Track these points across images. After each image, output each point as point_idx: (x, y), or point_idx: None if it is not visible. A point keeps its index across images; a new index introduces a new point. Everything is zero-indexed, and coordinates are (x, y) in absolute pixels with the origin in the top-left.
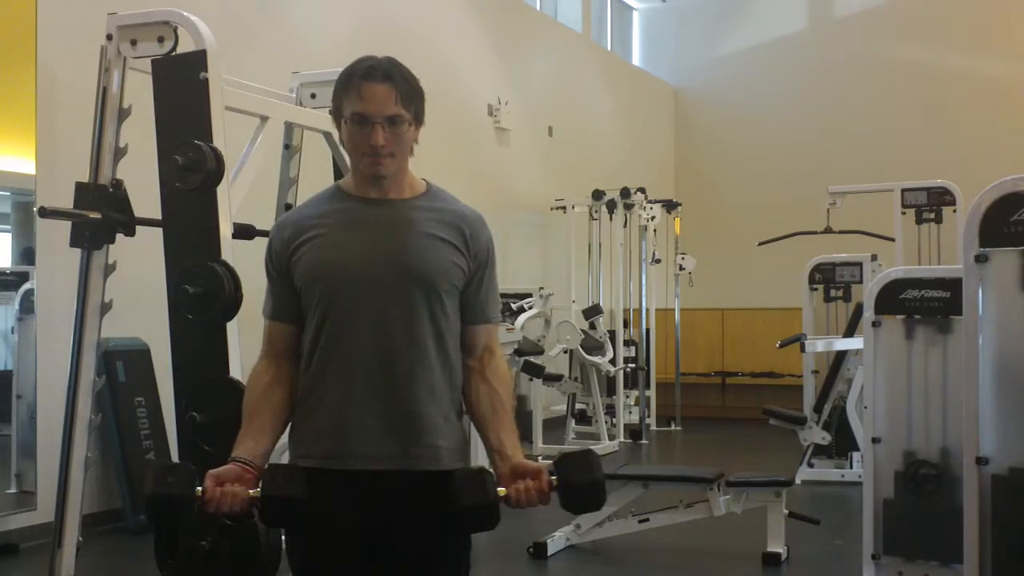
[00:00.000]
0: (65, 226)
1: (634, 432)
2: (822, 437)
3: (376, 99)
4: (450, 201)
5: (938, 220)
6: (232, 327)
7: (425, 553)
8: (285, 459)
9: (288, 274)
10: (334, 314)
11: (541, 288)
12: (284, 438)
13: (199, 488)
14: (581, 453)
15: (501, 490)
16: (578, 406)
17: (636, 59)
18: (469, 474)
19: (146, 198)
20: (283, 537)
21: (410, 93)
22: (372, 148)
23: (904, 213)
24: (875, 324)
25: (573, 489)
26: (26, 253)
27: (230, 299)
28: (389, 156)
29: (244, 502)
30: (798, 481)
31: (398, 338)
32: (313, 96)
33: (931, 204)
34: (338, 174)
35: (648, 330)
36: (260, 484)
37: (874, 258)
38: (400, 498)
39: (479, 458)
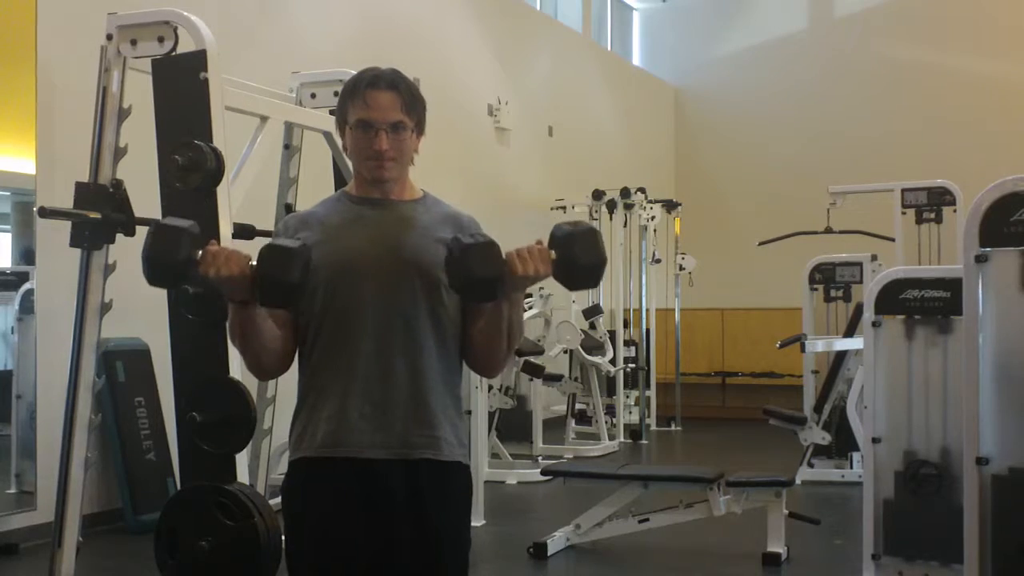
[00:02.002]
0: (65, 226)
1: (634, 432)
2: (822, 437)
3: (381, 106)
4: (445, 205)
5: (938, 220)
6: None
7: (425, 542)
8: (285, 459)
9: None
10: (335, 307)
11: (541, 288)
12: (284, 437)
13: (200, 251)
14: (584, 230)
15: (504, 254)
16: (578, 406)
17: (636, 59)
18: (477, 245)
19: (146, 198)
20: (283, 537)
21: (413, 102)
22: (376, 153)
23: (904, 213)
24: (875, 324)
25: (575, 265)
26: (26, 253)
27: None
28: (391, 161)
29: (243, 262)
30: (798, 481)
31: (398, 330)
32: (313, 96)
33: (931, 204)
34: (338, 174)
35: (648, 330)
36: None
37: (874, 258)
38: (399, 486)
39: (480, 458)
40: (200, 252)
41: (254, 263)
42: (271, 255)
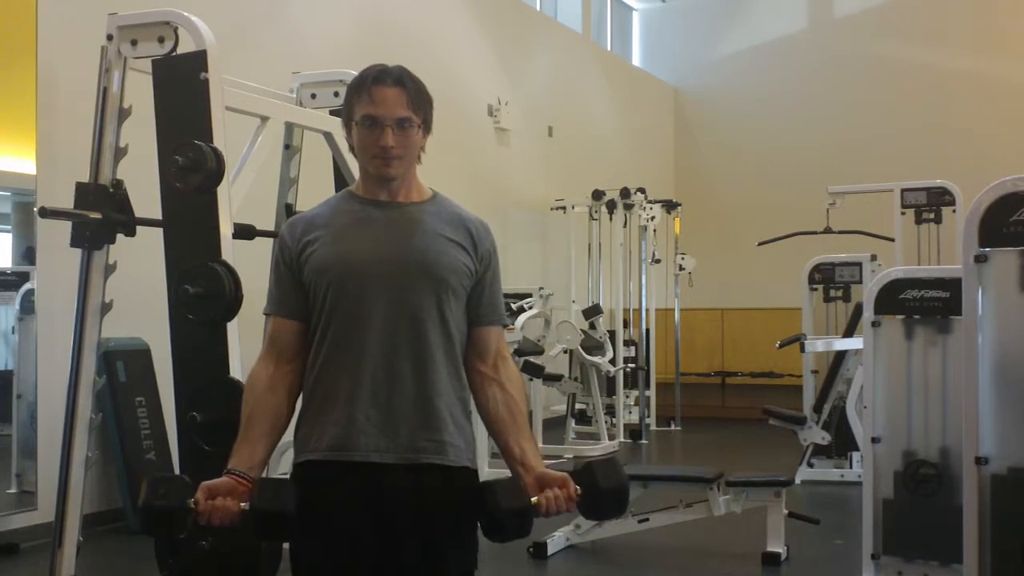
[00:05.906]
0: (65, 226)
1: (634, 432)
2: (822, 437)
3: (387, 102)
4: (456, 207)
5: (938, 220)
6: (232, 327)
7: (431, 547)
8: (288, 457)
9: (298, 270)
10: (342, 308)
11: (541, 288)
12: (287, 436)
13: (192, 501)
14: (607, 461)
15: (533, 499)
16: (578, 406)
17: (636, 59)
18: (505, 483)
19: (146, 198)
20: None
21: (420, 98)
22: (382, 149)
23: (904, 213)
24: (875, 324)
25: (601, 497)
26: (27, 253)
27: (230, 299)
28: (397, 158)
29: (235, 515)
30: (798, 481)
31: (405, 333)
32: (313, 96)
33: (931, 204)
34: (338, 174)
35: (648, 330)
36: (250, 499)
37: (874, 258)
38: (405, 491)
39: (480, 458)
40: (192, 502)
41: (245, 505)
42: (263, 519)
